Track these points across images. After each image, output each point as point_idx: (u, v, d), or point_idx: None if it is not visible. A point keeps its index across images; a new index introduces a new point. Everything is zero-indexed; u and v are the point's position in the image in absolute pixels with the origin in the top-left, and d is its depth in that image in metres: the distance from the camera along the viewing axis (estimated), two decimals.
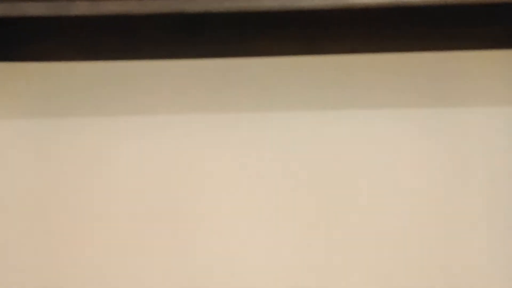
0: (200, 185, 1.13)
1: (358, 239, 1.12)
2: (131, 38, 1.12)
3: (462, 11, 1.10)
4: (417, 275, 1.12)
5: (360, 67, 1.13)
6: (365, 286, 1.12)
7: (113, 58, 1.13)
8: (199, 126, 1.13)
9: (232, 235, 1.13)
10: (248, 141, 1.13)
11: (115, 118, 1.13)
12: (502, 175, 1.12)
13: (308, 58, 1.13)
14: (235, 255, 1.13)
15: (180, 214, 1.13)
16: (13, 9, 0.91)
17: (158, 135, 1.13)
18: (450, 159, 1.12)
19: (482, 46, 1.11)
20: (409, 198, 1.12)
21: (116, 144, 1.13)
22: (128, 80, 1.13)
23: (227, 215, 1.13)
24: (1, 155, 1.14)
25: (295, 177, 1.13)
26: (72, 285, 1.12)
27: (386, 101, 1.13)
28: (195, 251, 1.13)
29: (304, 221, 1.13)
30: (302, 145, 1.13)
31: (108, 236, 1.13)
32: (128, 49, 1.13)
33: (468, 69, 1.12)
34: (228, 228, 1.13)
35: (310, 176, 1.13)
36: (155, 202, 1.13)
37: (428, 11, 1.10)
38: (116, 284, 1.13)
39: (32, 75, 1.13)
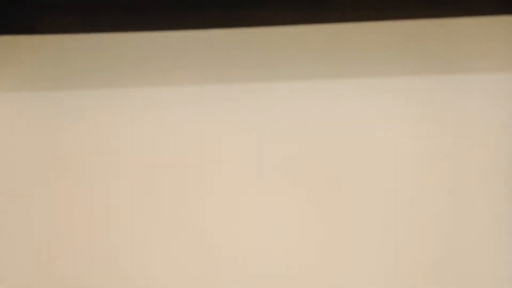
0: (203, 157, 1.13)
1: (358, 209, 1.13)
2: (133, 10, 1.11)
3: None
4: (417, 247, 1.13)
5: (360, 35, 1.13)
6: (365, 256, 1.13)
7: (116, 30, 1.14)
8: (198, 97, 1.13)
9: (235, 206, 1.13)
10: (248, 112, 1.13)
11: (118, 90, 1.13)
12: (503, 142, 1.12)
13: (307, 27, 1.13)
14: (237, 226, 1.13)
15: (183, 185, 1.13)
16: None
17: (161, 107, 1.13)
18: (450, 127, 1.13)
19: (481, 12, 1.12)
20: (409, 167, 1.13)
21: (119, 116, 1.14)
22: (131, 52, 1.14)
23: (229, 186, 1.13)
24: (3, 127, 1.14)
25: (295, 147, 1.13)
26: (77, 255, 1.13)
27: (385, 70, 1.13)
28: (199, 224, 1.13)
29: (305, 191, 1.13)
30: (303, 115, 1.13)
31: (111, 207, 1.13)
32: (131, 21, 1.13)
33: (468, 36, 1.13)
34: (230, 199, 1.13)
35: (310, 145, 1.13)
36: (159, 172, 1.13)
37: None
38: (120, 254, 1.13)
39: (35, 48, 1.13)
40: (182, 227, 1.13)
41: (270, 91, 1.13)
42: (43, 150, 1.14)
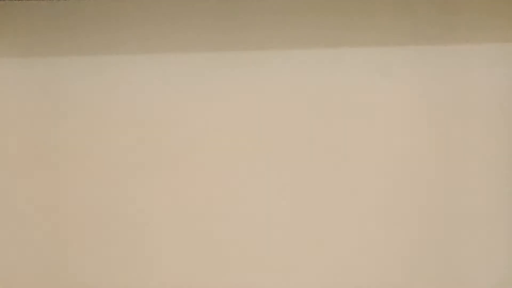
0: (200, 123, 1.14)
1: (357, 176, 1.15)
2: None
3: None
4: (416, 217, 1.15)
5: (362, 4, 1.12)
6: (363, 221, 1.16)
7: None
8: (195, 63, 1.13)
9: (231, 172, 1.15)
10: (247, 80, 1.14)
11: (115, 56, 1.13)
12: (504, 113, 1.13)
13: None
14: (234, 193, 1.15)
15: (180, 151, 1.14)
16: None
17: (157, 73, 1.14)
18: (451, 96, 1.13)
19: None
20: (410, 136, 1.14)
21: (115, 81, 1.14)
22: (129, 17, 1.13)
23: (226, 153, 1.15)
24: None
25: (295, 115, 1.14)
26: (74, 221, 1.15)
27: (386, 39, 1.13)
28: (194, 191, 1.15)
29: (304, 158, 1.14)
30: (302, 83, 1.14)
31: (106, 171, 1.15)
32: None
33: (470, 5, 1.13)
34: (226, 166, 1.15)
35: (309, 114, 1.14)
36: (154, 140, 1.14)
37: None
38: (116, 219, 1.16)
39: (31, 13, 1.12)
40: (179, 191, 1.15)
41: (270, 58, 1.13)
42: (40, 116, 1.14)
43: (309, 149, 1.14)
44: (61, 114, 1.14)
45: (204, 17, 1.12)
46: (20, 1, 1.11)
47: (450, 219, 1.16)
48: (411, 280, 1.17)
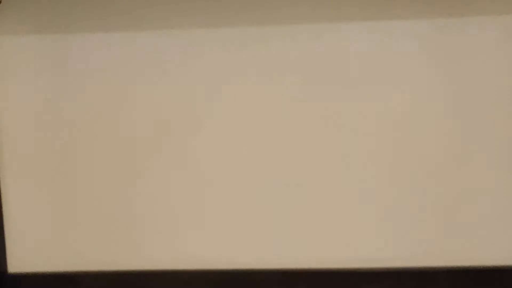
0: (205, 97, 1.15)
1: (359, 148, 1.15)
2: None
3: None
4: (423, 184, 1.15)
5: None
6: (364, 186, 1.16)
7: None
8: (200, 40, 1.14)
9: (237, 143, 1.16)
10: (250, 55, 1.14)
11: (123, 34, 1.15)
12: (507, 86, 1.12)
13: None
14: (238, 161, 1.17)
15: (186, 121, 1.16)
16: None
17: (165, 49, 1.14)
18: (453, 70, 1.12)
19: None
20: (411, 110, 1.13)
21: (125, 58, 1.15)
22: None
23: (230, 124, 1.16)
24: (12, 70, 1.16)
25: (299, 88, 1.14)
26: (89, 189, 1.19)
27: (389, 13, 1.11)
28: (203, 164, 1.17)
29: (307, 130, 1.15)
30: (305, 57, 1.13)
31: (118, 145, 1.17)
32: None
33: None
34: (232, 136, 1.16)
35: (313, 87, 1.14)
36: (163, 113, 1.16)
37: None
38: (129, 193, 1.19)
39: None
40: (188, 165, 1.17)
41: (273, 33, 1.13)
42: (50, 94, 1.17)
43: (315, 119, 1.15)
44: (75, 89, 1.17)
45: None
46: None
47: (458, 184, 1.15)
48: (419, 249, 1.18)
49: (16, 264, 1.22)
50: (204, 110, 1.16)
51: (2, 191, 1.19)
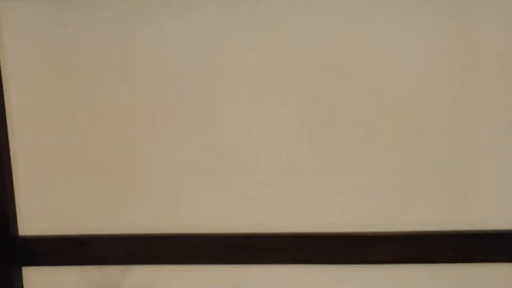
0: (215, 61, 1.15)
1: (367, 110, 1.15)
2: None
3: None
4: (426, 151, 1.16)
5: None
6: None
7: None
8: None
9: (242, 105, 1.16)
10: (255, 19, 1.13)
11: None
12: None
13: None
14: (246, 125, 1.17)
15: (196, 83, 1.16)
16: None
17: (177, 14, 1.13)
18: (462, 34, 1.12)
19: None
20: (419, 71, 1.13)
21: (137, 21, 1.14)
22: None
23: (234, 85, 1.16)
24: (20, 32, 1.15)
25: (305, 47, 1.14)
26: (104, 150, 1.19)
27: None
28: (212, 123, 1.17)
29: (316, 92, 1.15)
30: (311, 20, 1.13)
31: (134, 104, 1.17)
32: None
33: None
34: (238, 98, 1.16)
35: (320, 49, 1.13)
36: (178, 73, 1.15)
37: None
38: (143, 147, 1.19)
39: None
40: (196, 120, 1.17)
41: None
42: (61, 49, 1.16)
43: (325, 79, 1.14)
44: (82, 43, 1.16)
45: None
46: None
47: (465, 149, 1.17)
48: (426, 214, 1.20)
49: (27, 227, 1.23)
50: (210, 72, 1.15)
51: (12, 156, 1.19)
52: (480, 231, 1.19)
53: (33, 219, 1.23)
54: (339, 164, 1.18)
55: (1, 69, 1.15)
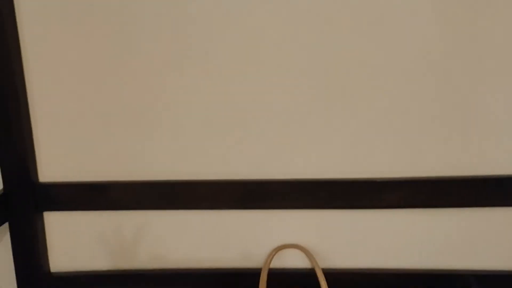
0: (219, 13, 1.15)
1: (376, 59, 1.15)
2: None
3: None
4: (436, 97, 1.16)
5: None
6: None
7: None
8: None
9: (253, 55, 1.17)
10: None
11: None
12: None
13: None
14: (259, 73, 1.17)
15: (206, 38, 1.16)
16: None
17: None
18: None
19: None
20: (422, 21, 1.13)
21: None
22: None
23: (246, 34, 1.16)
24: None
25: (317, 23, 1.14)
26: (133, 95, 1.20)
27: None
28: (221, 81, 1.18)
29: (326, 43, 1.15)
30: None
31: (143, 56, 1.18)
32: None
33: None
34: (249, 45, 1.16)
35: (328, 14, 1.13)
36: (190, 41, 1.16)
37: None
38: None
39: None
40: (211, 69, 1.18)
41: None
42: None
43: (335, 30, 1.14)
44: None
45: None
46: None
47: (474, 93, 1.16)
48: (437, 159, 1.20)
49: (47, 174, 1.26)
50: (219, 21, 1.15)
51: (30, 104, 1.21)
52: (492, 176, 1.19)
53: (52, 166, 1.26)
54: (352, 112, 1.18)
55: (17, 17, 1.16)
